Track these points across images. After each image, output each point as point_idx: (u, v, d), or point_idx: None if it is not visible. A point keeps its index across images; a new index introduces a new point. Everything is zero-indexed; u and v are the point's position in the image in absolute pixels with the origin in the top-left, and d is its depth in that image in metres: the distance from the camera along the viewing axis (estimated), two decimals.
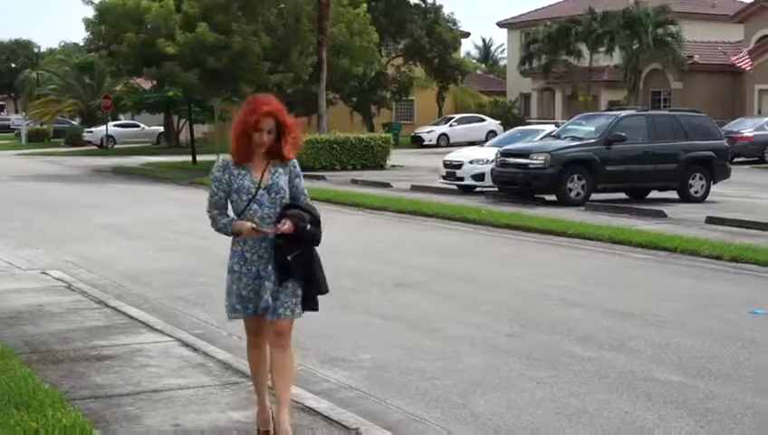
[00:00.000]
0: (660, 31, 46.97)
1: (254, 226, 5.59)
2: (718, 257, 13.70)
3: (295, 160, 5.81)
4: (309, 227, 5.62)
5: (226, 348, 8.40)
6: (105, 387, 7.10)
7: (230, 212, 5.71)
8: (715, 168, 22.75)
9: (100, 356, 8.03)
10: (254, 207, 5.64)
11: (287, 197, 5.72)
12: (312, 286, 5.76)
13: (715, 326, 9.48)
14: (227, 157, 5.77)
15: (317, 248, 5.79)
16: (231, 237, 5.77)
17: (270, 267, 5.66)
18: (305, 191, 5.85)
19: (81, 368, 7.64)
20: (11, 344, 8.24)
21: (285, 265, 5.62)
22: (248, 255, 5.70)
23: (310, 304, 5.81)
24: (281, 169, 5.72)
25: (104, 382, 7.22)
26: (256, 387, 6.04)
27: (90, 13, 37.79)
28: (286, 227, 5.53)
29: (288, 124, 5.65)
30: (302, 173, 5.87)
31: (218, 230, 5.74)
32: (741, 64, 47.54)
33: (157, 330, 9.06)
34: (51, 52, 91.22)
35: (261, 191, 5.64)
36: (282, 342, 5.75)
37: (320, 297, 5.87)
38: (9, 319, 9.53)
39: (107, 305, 10.25)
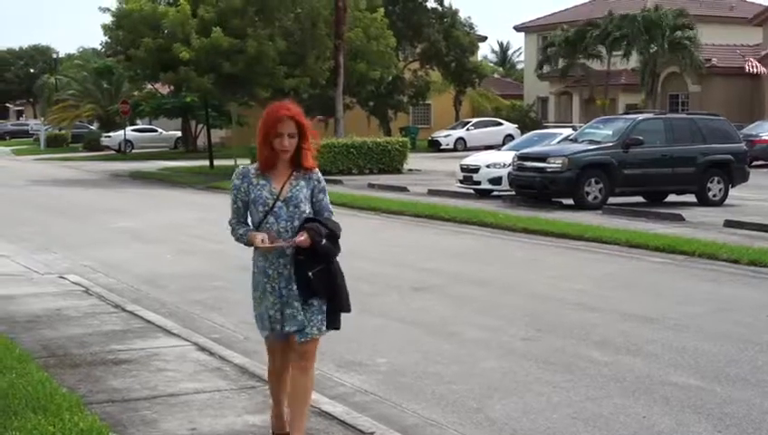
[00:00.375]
0: (678, 34, 46.80)
1: (264, 239, 5.37)
2: (736, 261, 13.63)
3: (319, 174, 5.56)
4: (324, 241, 5.37)
5: (243, 352, 8.41)
6: (122, 391, 7.12)
7: (250, 222, 5.54)
8: (734, 171, 22.64)
9: (117, 360, 8.05)
10: (271, 219, 5.42)
11: (308, 211, 5.47)
12: (335, 303, 5.53)
13: (732, 330, 9.43)
14: (248, 164, 5.59)
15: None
16: (252, 249, 5.56)
17: (293, 286, 5.44)
18: (330, 207, 5.60)
19: (99, 372, 7.67)
20: (29, 348, 8.28)
21: (307, 282, 5.40)
22: (270, 271, 5.47)
23: (332, 322, 5.58)
24: (303, 182, 5.48)
25: (121, 386, 7.24)
26: (273, 399, 5.95)
27: (107, 19, 37.99)
28: (302, 238, 5.32)
29: (307, 127, 5.46)
30: (326, 187, 5.61)
31: (237, 240, 5.57)
32: (753, 69, 47.27)
33: (173, 334, 9.08)
34: (69, 57, 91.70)
35: (279, 203, 5.41)
36: (305, 364, 5.55)
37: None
38: (27, 323, 9.58)
39: (124, 310, 10.29)
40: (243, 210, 5.51)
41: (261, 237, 5.35)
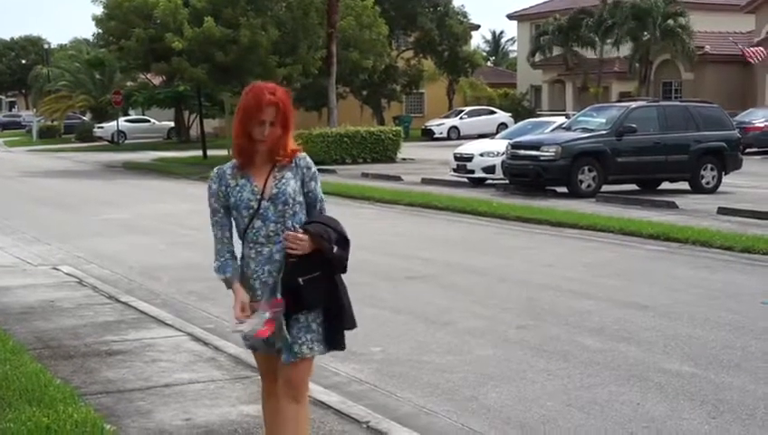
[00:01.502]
0: (670, 22, 46.79)
1: (244, 305, 4.50)
2: (730, 248, 13.65)
3: (307, 158, 4.64)
4: (335, 248, 4.48)
5: (237, 342, 8.39)
6: (116, 382, 7.12)
7: (235, 230, 4.68)
8: (727, 158, 22.68)
9: (112, 351, 8.05)
10: (258, 223, 4.52)
11: (300, 208, 4.58)
12: (335, 318, 4.60)
13: (726, 317, 9.45)
14: (226, 165, 4.69)
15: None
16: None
17: (278, 295, 4.50)
18: (323, 197, 4.70)
19: (93, 363, 7.66)
20: (23, 340, 8.27)
21: (296, 291, 4.45)
22: (252, 281, 4.58)
23: (334, 341, 4.64)
24: (288, 174, 4.56)
25: (115, 377, 7.24)
26: None
27: (99, 10, 37.91)
28: (298, 235, 4.47)
29: (291, 114, 4.57)
30: (318, 174, 4.70)
31: (216, 271, 4.62)
32: (750, 59, 47.26)
33: (167, 325, 9.08)
34: (61, 48, 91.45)
35: (264, 203, 4.51)
36: (294, 392, 4.60)
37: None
38: (21, 314, 9.56)
39: (118, 301, 10.28)
40: (226, 218, 4.62)
41: (237, 307, 4.51)
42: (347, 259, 4.57)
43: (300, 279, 4.44)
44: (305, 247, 4.44)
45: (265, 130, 4.47)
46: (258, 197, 4.53)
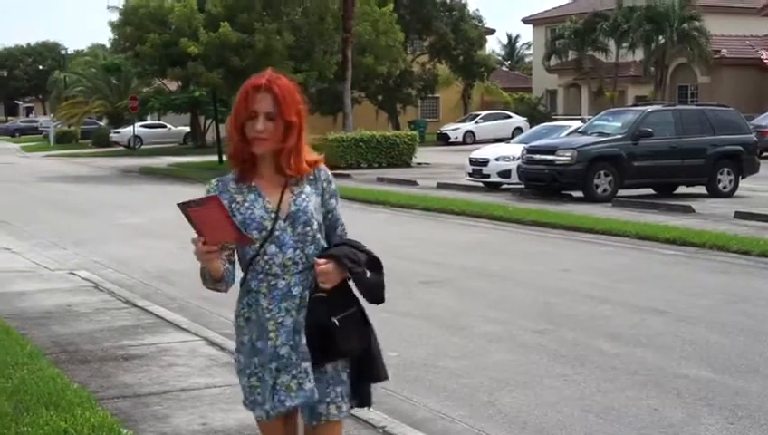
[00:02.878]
0: (686, 25, 46.66)
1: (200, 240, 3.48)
2: (747, 253, 13.59)
3: (327, 170, 3.77)
4: (369, 273, 3.64)
5: None
6: (133, 386, 7.13)
7: (236, 258, 3.76)
8: (744, 162, 22.59)
9: (128, 356, 8.06)
10: (271, 249, 3.61)
11: (321, 231, 3.71)
12: (366, 367, 3.76)
13: (744, 322, 9.40)
14: (228, 176, 3.78)
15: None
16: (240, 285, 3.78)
17: (301, 339, 3.61)
18: (342, 219, 3.84)
19: (109, 368, 7.68)
20: (40, 344, 8.30)
21: (329, 333, 3.58)
22: (267, 321, 3.64)
23: (362, 395, 3.80)
24: (308, 188, 3.69)
25: (132, 382, 7.25)
26: None
27: (115, 16, 38.13)
28: (325, 266, 3.58)
29: (297, 114, 3.64)
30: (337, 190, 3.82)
31: (206, 285, 3.70)
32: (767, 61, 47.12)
33: (184, 329, 9.09)
34: (78, 54, 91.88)
35: (281, 224, 3.62)
36: None
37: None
38: (38, 319, 9.59)
39: (134, 305, 10.30)
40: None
41: (201, 246, 3.51)
42: (383, 287, 3.72)
43: (334, 319, 3.58)
44: (334, 278, 3.57)
45: (258, 124, 3.57)
46: (273, 215, 3.63)
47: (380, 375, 3.81)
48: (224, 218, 3.40)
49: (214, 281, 3.62)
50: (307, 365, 3.59)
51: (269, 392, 3.61)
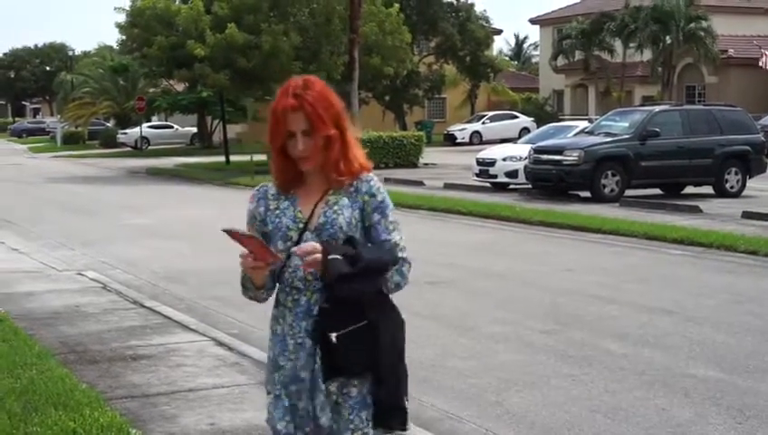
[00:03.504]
0: (692, 25, 46.58)
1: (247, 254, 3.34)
2: (755, 252, 13.57)
3: (375, 181, 3.52)
4: (339, 257, 3.26)
5: (261, 347, 8.41)
6: (141, 386, 7.15)
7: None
8: (751, 162, 22.56)
9: (136, 356, 8.08)
10: (295, 261, 3.39)
11: (354, 244, 3.39)
12: (382, 387, 3.47)
13: (751, 322, 9.39)
14: (271, 183, 3.58)
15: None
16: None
17: (316, 361, 3.39)
18: (392, 234, 3.57)
19: (118, 368, 7.70)
20: (48, 345, 8.32)
21: (327, 348, 3.34)
22: (289, 338, 3.46)
23: (384, 418, 3.52)
24: (345, 200, 3.44)
25: (140, 382, 7.27)
26: None
27: (122, 18, 38.20)
28: (307, 248, 3.30)
29: (335, 120, 3.47)
30: (390, 203, 3.57)
31: (246, 294, 3.57)
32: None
33: (192, 329, 9.11)
34: (85, 55, 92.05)
35: (308, 235, 3.40)
36: None
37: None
38: (46, 319, 9.62)
39: (142, 305, 10.32)
40: None
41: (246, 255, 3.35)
42: (358, 289, 3.32)
43: (333, 335, 3.28)
44: (315, 261, 3.26)
45: (299, 145, 3.37)
46: (300, 225, 3.42)
47: (402, 396, 3.59)
48: (263, 249, 3.33)
49: (256, 288, 3.48)
50: (322, 394, 3.37)
51: (282, 411, 3.44)
